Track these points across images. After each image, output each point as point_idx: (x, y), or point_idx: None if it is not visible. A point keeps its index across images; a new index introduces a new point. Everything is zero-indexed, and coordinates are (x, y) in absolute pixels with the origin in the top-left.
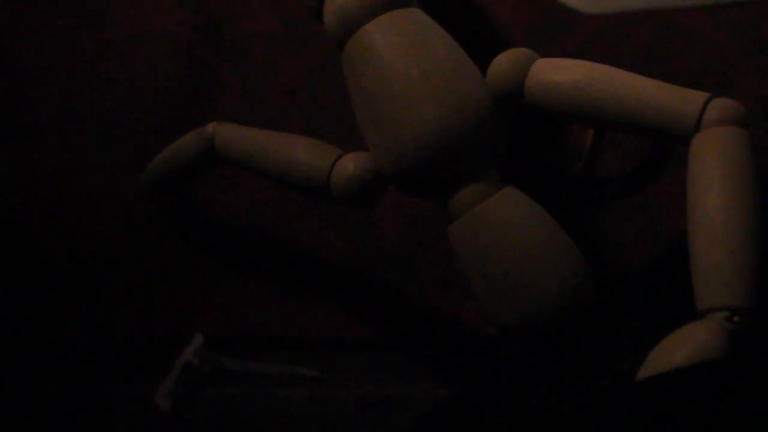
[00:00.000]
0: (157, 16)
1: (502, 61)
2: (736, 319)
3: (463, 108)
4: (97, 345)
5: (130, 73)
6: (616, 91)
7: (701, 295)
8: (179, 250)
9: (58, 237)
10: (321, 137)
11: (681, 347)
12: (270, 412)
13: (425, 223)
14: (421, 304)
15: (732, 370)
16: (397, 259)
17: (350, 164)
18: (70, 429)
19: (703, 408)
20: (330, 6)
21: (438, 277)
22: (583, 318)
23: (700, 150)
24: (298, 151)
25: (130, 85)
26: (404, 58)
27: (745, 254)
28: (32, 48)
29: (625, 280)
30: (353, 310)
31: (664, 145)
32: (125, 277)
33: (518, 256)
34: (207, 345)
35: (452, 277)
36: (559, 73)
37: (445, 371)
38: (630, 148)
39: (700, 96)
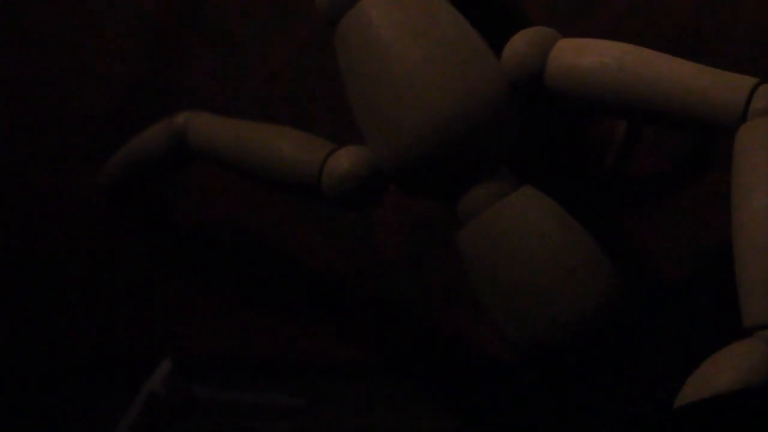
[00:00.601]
0: None
1: (519, 42)
2: None
3: (474, 95)
4: (51, 372)
5: (88, 55)
6: (651, 77)
7: (748, 311)
8: (145, 262)
9: (4, 247)
10: (310, 129)
11: (724, 370)
12: None
13: (430, 229)
14: (425, 323)
15: None
16: (397, 271)
17: (344, 160)
18: None
19: None
20: None
21: (445, 292)
22: (613, 338)
23: (746, 143)
24: (283, 145)
25: (88, 68)
26: (406, 38)
27: None
28: None
29: (661, 294)
30: (346, 330)
31: (707, 139)
32: (81, 293)
33: (538, 265)
34: (176, 371)
35: (461, 291)
36: (585, 56)
37: (454, 402)
38: (667, 143)
39: (747, 82)
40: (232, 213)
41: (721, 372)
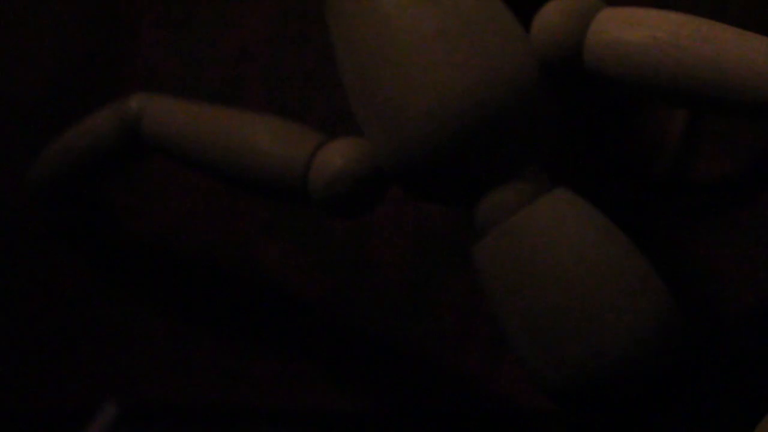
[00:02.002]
0: None
1: (553, 12)
2: None
3: (497, 77)
4: None
5: (16, 28)
6: (713, 55)
7: None
8: (85, 283)
9: None
10: (293, 117)
11: None
12: None
13: (441, 243)
14: (434, 362)
15: None
16: (398, 300)
17: (336, 155)
18: None
19: None
20: None
21: (459, 323)
22: (669, 379)
23: None
24: (260, 136)
25: (17, 44)
26: (414, 6)
27: None
28: None
29: (721, 321)
30: (337, 371)
31: None
32: (6, 322)
33: (577, 288)
34: (122, 419)
35: (480, 322)
36: (633, 29)
37: None
38: (736, 140)
39: None
40: (195, 222)
41: None
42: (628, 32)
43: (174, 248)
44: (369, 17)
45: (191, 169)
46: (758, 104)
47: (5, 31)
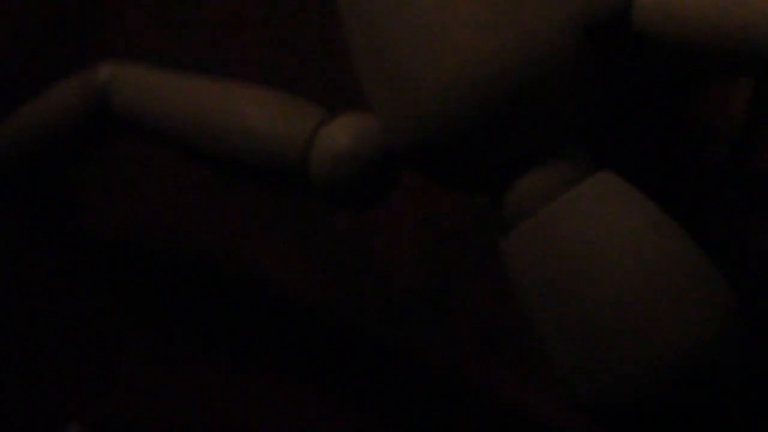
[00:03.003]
0: None
1: None
2: None
3: (530, 39)
4: None
5: None
6: None
7: None
8: (47, 287)
9: None
10: (292, 90)
11: None
12: None
13: (457, 243)
14: (452, 379)
15: None
16: (409, 307)
17: (342, 133)
18: None
19: None
20: None
21: (478, 335)
22: (728, 389)
23: None
24: (252, 111)
25: None
26: None
27: None
28: None
29: None
30: (337, 388)
31: None
32: None
33: (623, 285)
34: None
35: (502, 334)
36: None
37: None
38: None
39: None
40: (178, 218)
41: None
42: None
43: (152, 248)
44: None
45: (171, 151)
46: None
47: None
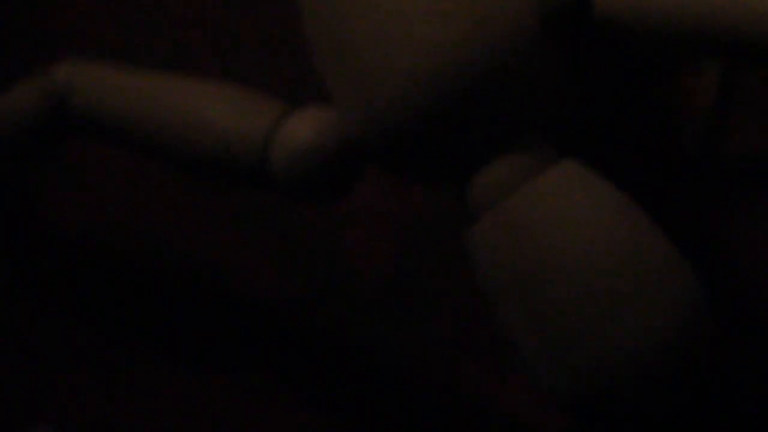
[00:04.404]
0: None
1: None
2: None
3: (490, 29)
4: None
5: None
6: None
7: None
8: (8, 290)
9: None
10: (249, 84)
11: None
12: None
13: (431, 238)
14: (425, 377)
15: None
16: (382, 305)
17: (304, 126)
18: None
19: None
20: None
21: (453, 332)
22: (696, 379)
23: None
24: (212, 106)
25: None
26: None
27: None
28: None
29: (756, 316)
30: (311, 388)
31: None
32: None
33: (589, 275)
34: None
35: (478, 331)
36: None
37: None
38: None
39: None
40: (141, 217)
41: None
42: None
43: (116, 247)
44: None
45: (132, 150)
46: None
47: None
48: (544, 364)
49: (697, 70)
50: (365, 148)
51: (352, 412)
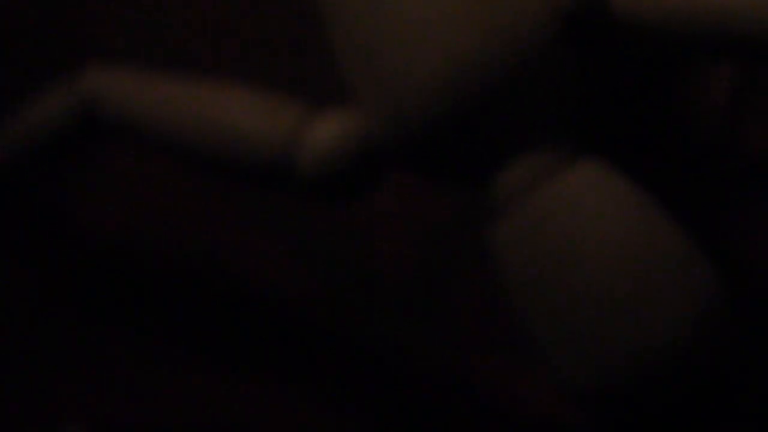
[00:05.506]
0: None
1: None
2: None
3: (511, 31)
4: None
5: None
6: None
7: None
8: (34, 293)
9: None
10: (249, 84)
11: None
12: None
13: (451, 240)
14: (444, 376)
15: None
16: (403, 305)
17: (328, 128)
18: None
19: None
20: None
21: (473, 332)
22: (714, 375)
23: None
24: (237, 108)
25: None
26: None
27: None
28: None
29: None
30: (332, 388)
31: None
32: None
33: (610, 271)
34: None
35: (497, 331)
36: None
37: None
38: None
39: None
40: (169, 220)
41: None
42: None
43: (142, 244)
44: None
45: (158, 153)
46: None
47: None
48: (562, 359)
49: (713, 67)
50: (388, 149)
51: (372, 408)
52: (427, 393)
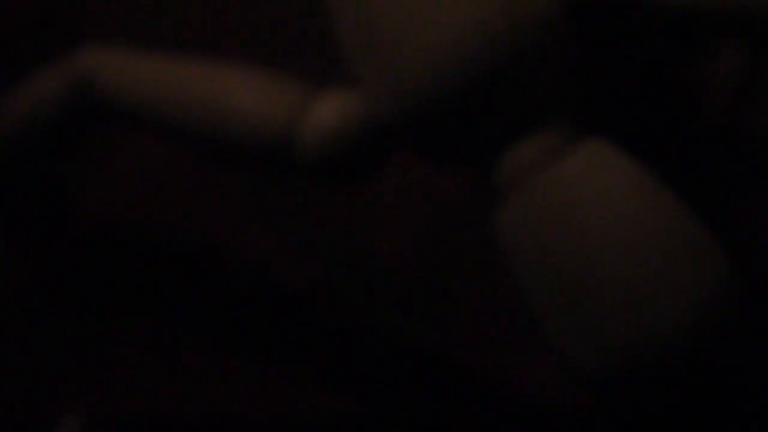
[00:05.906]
0: None
1: None
2: None
3: (513, 10)
4: None
5: None
6: None
7: None
8: (36, 282)
9: None
10: (270, 67)
11: None
12: None
13: (456, 229)
14: (448, 369)
15: None
16: (406, 297)
17: (330, 109)
18: None
19: None
20: None
21: (478, 324)
22: (726, 360)
23: None
24: (237, 88)
25: None
26: None
27: None
28: None
29: None
30: (335, 380)
31: None
32: None
33: (618, 253)
34: None
35: (503, 323)
36: None
37: None
38: None
39: None
40: (167, 207)
41: None
42: None
43: (143, 239)
44: None
45: (159, 136)
46: None
47: None
48: (571, 343)
49: (725, 49)
50: (391, 128)
51: (375, 401)
52: (427, 392)
